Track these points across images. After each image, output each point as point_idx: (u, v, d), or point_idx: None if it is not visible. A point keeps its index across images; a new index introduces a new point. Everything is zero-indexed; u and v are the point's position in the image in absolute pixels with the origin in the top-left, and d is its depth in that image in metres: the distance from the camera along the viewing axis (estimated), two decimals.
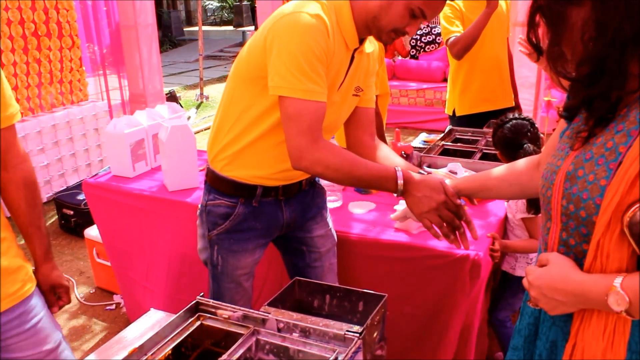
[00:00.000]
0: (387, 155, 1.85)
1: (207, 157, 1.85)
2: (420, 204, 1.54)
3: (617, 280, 0.94)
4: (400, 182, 1.54)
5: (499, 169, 1.54)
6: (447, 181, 1.58)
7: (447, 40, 3.19)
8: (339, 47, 1.60)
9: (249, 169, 1.74)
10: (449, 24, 3.19)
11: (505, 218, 2.31)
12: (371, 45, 1.78)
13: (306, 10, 1.52)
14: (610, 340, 1.01)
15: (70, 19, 4.96)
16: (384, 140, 2.91)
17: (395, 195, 1.58)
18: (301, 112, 1.52)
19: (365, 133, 1.87)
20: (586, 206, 1.00)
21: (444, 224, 1.54)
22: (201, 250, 1.91)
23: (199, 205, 1.88)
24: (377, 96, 2.85)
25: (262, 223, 1.82)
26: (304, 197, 1.88)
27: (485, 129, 3.09)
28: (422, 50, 7.54)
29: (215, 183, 1.80)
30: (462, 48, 3.14)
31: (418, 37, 7.54)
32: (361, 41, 1.68)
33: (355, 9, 1.61)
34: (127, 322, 2.32)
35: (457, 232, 1.57)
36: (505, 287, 2.39)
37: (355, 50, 1.67)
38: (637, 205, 0.92)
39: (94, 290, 3.50)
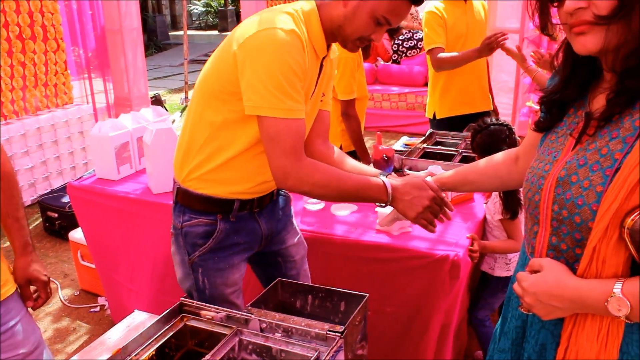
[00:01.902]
0: (355, 165, 1.85)
1: (176, 177, 1.76)
2: (413, 206, 1.55)
3: (617, 286, 0.95)
4: (390, 191, 1.55)
5: (479, 164, 1.57)
6: (429, 178, 1.61)
7: (430, 49, 3.26)
8: (310, 57, 1.57)
9: (226, 185, 1.69)
10: (432, 33, 3.24)
11: (484, 219, 2.35)
12: (335, 51, 1.77)
13: (280, 26, 1.47)
14: (604, 343, 1.01)
15: (55, 22, 4.95)
16: (362, 144, 2.96)
17: (379, 204, 1.59)
18: (282, 132, 1.49)
19: (319, 136, 1.84)
20: (581, 212, 1.01)
21: (434, 220, 1.58)
22: (182, 280, 1.82)
23: (172, 230, 1.79)
24: (355, 99, 2.90)
25: (243, 237, 1.77)
26: (274, 206, 1.85)
27: (465, 133, 3.14)
28: (404, 55, 7.62)
29: (190, 202, 1.71)
30: (442, 68, 3.28)
31: (400, 42, 7.62)
32: (327, 48, 1.67)
33: (322, 17, 1.58)
34: (112, 324, 2.33)
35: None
36: (484, 287, 2.43)
37: (323, 58, 1.66)
38: (638, 212, 0.93)
39: (78, 293, 3.50)
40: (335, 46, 1.75)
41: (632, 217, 0.93)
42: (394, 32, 7.59)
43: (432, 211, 1.56)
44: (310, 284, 2.06)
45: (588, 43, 0.99)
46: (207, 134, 1.63)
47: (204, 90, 1.64)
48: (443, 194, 1.58)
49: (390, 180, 1.58)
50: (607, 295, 0.96)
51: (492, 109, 3.54)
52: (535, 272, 1.09)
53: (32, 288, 1.73)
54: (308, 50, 1.54)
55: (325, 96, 1.81)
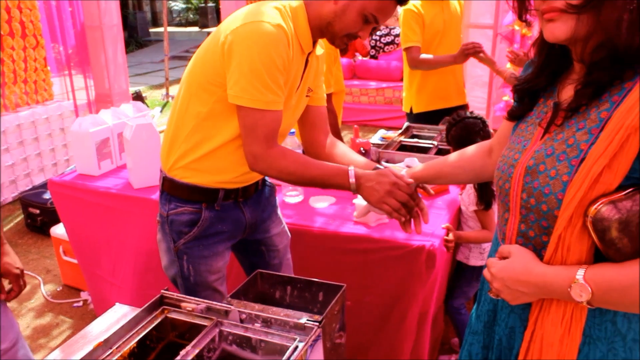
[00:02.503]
0: (345, 152, 1.88)
1: (162, 166, 1.80)
2: (374, 192, 1.57)
3: (580, 272, 0.97)
4: (352, 180, 1.59)
5: (453, 157, 1.58)
6: (404, 171, 1.63)
7: (406, 47, 3.31)
8: (296, 52, 1.61)
9: (211, 174, 1.73)
10: (409, 31, 3.28)
11: (459, 210, 2.40)
12: (321, 47, 1.81)
13: (268, 20, 1.51)
14: (568, 327, 1.04)
15: (34, 19, 4.90)
16: (340, 138, 2.98)
17: (352, 192, 1.63)
18: (258, 122, 1.56)
19: (320, 132, 1.90)
20: (548, 200, 1.02)
21: (402, 208, 1.57)
22: (167, 267, 1.86)
23: (158, 218, 1.83)
24: (332, 94, 2.92)
25: (228, 226, 1.81)
26: (259, 196, 1.89)
27: (440, 126, 3.19)
28: (382, 50, 7.66)
29: (176, 191, 1.76)
30: (418, 68, 3.35)
31: (377, 37, 7.65)
32: (313, 44, 1.70)
33: (310, 13, 1.62)
34: (95, 319, 2.33)
35: (412, 218, 1.61)
36: (460, 276, 2.47)
37: (309, 53, 1.70)
38: (600, 202, 0.94)
39: (61, 288, 3.50)
40: (322, 42, 1.79)
41: (594, 207, 0.95)
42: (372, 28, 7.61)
43: (397, 197, 1.56)
44: (291, 274, 2.09)
45: (557, 30, 1.01)
46: (192, 124, 1.67)
47: (191, 82, 1.67)
48: (409, 180, 1.58)
49: (361, 171, 1.61)
50: (570, 282, 0.98)
51: (466, 102, 3.59)
52: (505, 258, 1.12)
53: (5, 281, 1.73)
54: (294, 45, 1.58)
55: (316, 92, 1.85)
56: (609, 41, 0.97)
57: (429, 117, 3.44)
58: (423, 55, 3.27)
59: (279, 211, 2.03)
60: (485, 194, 2.22)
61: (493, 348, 1.26)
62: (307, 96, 1.82)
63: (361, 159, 1.86)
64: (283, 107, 1.63)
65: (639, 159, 0.93)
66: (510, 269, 1.09)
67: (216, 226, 1.79)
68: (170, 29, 15.51)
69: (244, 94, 1.53)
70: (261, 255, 2.00)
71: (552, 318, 1.06)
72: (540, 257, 1.07)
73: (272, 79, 1.52)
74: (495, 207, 2.26)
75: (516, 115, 1.24)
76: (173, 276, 1.86)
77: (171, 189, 1.77)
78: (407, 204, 1.57)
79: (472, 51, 3.10)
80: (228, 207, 1.79)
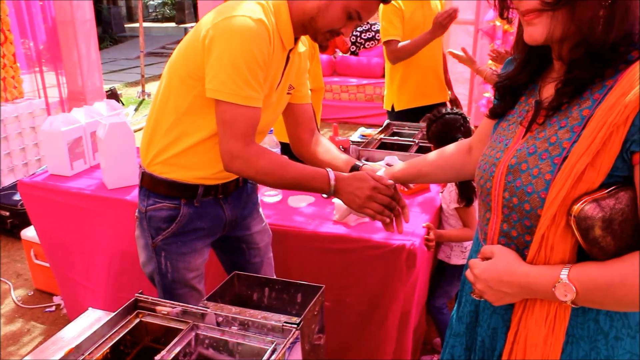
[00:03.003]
0: (327, 149, 1.87)
1: (142, 161, 1.78)
2: (355, 198, 1.56)
3: (564, 272, 0.98)
4: (333, 182, 1.57)
5: (432, 155, 1.57)
6: (382, 170, 1.62)
7: (386, 41, 3.28)
8: (277, 48, 1.60)
9: (190, 170, 1.71)
10: (389, 25, 3.27)
11: (440, 208, 2.39)
12: (304, 44, 1.79)
13: (249, 15, 1.50)
14: (552, 327, 1.04)
15: (2, 13, 4.78)
16: None
17: (324, 196, 1.61)
18: (237, 118, 1.53)
19: (305, 130, 1.89)
20: (531, 199, 1.02)
21: (385, 210, 1.55)
22: (145, 264, 1.84)
23: (136, 214, 1.82)
24: (310, 90, 2.90)
25: (207, 223, 1.79)
26: (240, 193, 1.88)
27: (421, 124, 3.18)
28: (362, 46, 7.66)
29: (154, 186, 1.74)
30: (399, 58, 3.31)
31: (358, 33, 7.65)
32: (295, 41, 1.69)
33: (292, 9, 1.60)
34: (68, 324, 2.28)
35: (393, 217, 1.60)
36: (441, 275, 2.47)
37: (290, 50, 1.68)
38: (583, 200, 0.94)
39: (32, 293, 3.42)
40: (305, 40, 1.77)
41: (578, 205, 0.95)
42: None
43: (378, 200, 1.54)
44: (272, 273, 2.07)
45: (535, 33, 1.02)
46: (172, 119, 1.66)
47: (172, 76, 1.66)
48: (389, 182, 1.57)
49: (339, 174, 1.59)
50: (555, 281, 0.98)
51: (448, 99, 3.59)
52: (487, 259, 1.11)
53: None
54: (275, 41, 1.57)
55: (299, 89, 1.85)
56: (584, 39, 0.98)
57: (411, 115, 3.43)
58: (401, 43, 3.24)
59: (260, 209, 2.02)
60: (466, 190, 2.22)
61: (475, 349, 1.25)
62: (288, 93, 1.80)
63: (343, 156, 1.84)
64: (262, 105, 1.61)
65: (621, 156, 0.94)
66: (494, 269, 1.08)
67: (195, 222, 1.77)
68: (146, 24, 15.38)
69: (223, 88, 1.51)
70: (242, 253, 1.98)
71: (536, 318, 1.06)
72: (523, 256, 1.07)
73: (251, 75, 1.51)
74: (476, 205, 2.25)
75: (497, 113, 1.24)
76: (150, 273, 1.84)
77: (150, 185, 1.75)
78: (389, 206, 1.56)
79: (448, 19, 3.03)
80: (207, 204, 1.77)
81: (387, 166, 2.25)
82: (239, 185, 1.85)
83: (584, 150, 0.95)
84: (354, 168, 1.74)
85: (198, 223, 1.78)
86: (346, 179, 1.58)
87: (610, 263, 0.95)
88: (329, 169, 1.60)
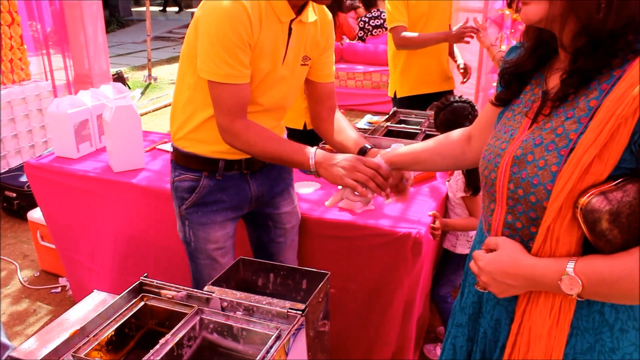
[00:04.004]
0: (342, 129, 1.90)
1: (171, 136, 1.89)
2: (335, 170, 1.58)
3: (570, 265, 0.97)
4: (312, 162, 1.61)
5: (431, 142, 1.53)
6: (378, 156, 1.59)
7: (392, 27, 3.27)
8: (269, 23, 1.63)
9: (208, 144, 1.79)
10: (395, 11, 3.26)
11: (446, 197, 2.38)
12: (313, 14, 1.77)
13: None
14: (556, 319, 1.04)
15: None
16: None
17: (308, 173, 1.64)
18: (220, 95, 1.63)
19: (324, 108, 1.92)
20: (536, 191, 1.01)
21: (370, 181, 1.54)
22: (179, 230, 1.94)
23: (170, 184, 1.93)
24: None
25: (229, 196, 1.86)
26: (269, 171, 1.92)
27: (428, 112, 3.16)
28: (370, 33, 7.58)
29: (179, 159, 1.86)
30: (404, 46, 3.31)
31: (367, 19, 7.57)
32: (301, 11, 1.70)
33: None
34: (73, 305, 2.29)
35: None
36: (446, 264, 2.46)
37: (292, 21, 1.69)
38: (591, 192, 0.94)
39: (38, 274, 3.43)
40: (316, 9, 1.77)
41: (585, 198, 0.94)
42: (370, 5, 7.53)
43: (360, 171, 1.54)
44: (294, 256, 2.09)
45: (529, 12, 1.03)
46: (186, 95, 1.76)
47: (184, 54, 1.75)
48: (375, 161, 1.57)
49: (323, 153, 1.62)
50: (560, 274, 0.98)
51: (454, 88, 3.56)
52: (491, 250, 1.11)
53: None
54: (265, 15, 1.61)
55: (321, 67, 1.87)
56: (584, 26, 0.97)
57: (413, 102, 3.41)
58: (407, 33, 3.22)
59: (293, 191, 2.06)
60: (473, 179, 2.20)
61: (478, 340, 1.25)
62: (304, 64, 1.82)
63: (354, 137, 1.85)
64: (271, 79, 1.70)
65: (629, 148, 0.93)
66: (498, 261, 1.08)
67: (215, 195, 1.84)
68: (153, 8, 15.28)
69: (204, 67, 1.61)
70: (267, 230, 2.03)
71: (541, 310, 1.06)
72: (528, 248, 1.06)
73: (228, 54, 1.57)
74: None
75: (503, 99, 1.22)
76: (182, 239, 1.95)
77: (176, 158, 1.88)
78: (373, 179, 1.54)
79: (469, 35, 3.12)
80: (231, 178, 1.84)
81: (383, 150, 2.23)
82: (266, 163, 1.88)
83: (591, 142, 0.94)
84: (362, 150, 1.75)
85: (219, 195, 1.85)
86: (328, 155, 1.61)
87: (617, 257, 0.94)
88: (312, 148, 1.63)
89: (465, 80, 3.42)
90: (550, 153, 1.01)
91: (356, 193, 1.60)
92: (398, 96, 3.51)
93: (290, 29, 1.70)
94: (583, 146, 0.95)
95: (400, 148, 1.60)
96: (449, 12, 3.47)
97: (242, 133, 1.65)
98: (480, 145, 1.23)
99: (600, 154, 0.94)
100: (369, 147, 1.76)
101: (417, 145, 1.57)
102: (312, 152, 1.61)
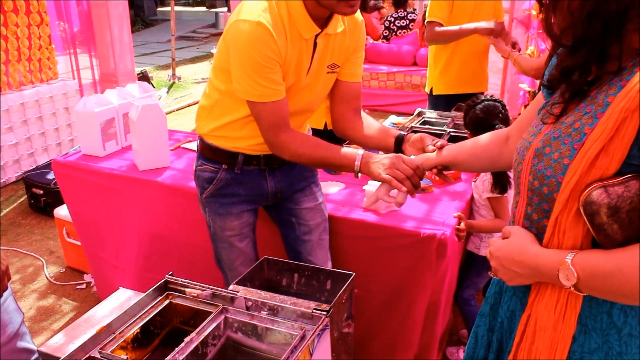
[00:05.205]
0: (371, 123, 1.92)
1: (196, 128, 1.96)
2: (377, 166, 1.61)
3: (569, 257, 0.98)
4: (358, 162, 1.65)
5: (468, 143, 1.55)
6: (414, 157, 1.61)
7: (428, 21, 3.23)
8: (294, 39, 1.65)
9: (231, 141, 1.86)
10: (436, 6, 3.22)
11: (471, 199, 2.35)
12: (341, 24, 1.77)
13: (246, 17, 1.58)
14: (562, 313, 1.04)
15: None
16: None
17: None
18: (260, 113, 1.68)
19: (349, 108, 1.92)
20: (549, 183, 1.03)
21: (406, 180, 1.57)
22: (202, 212, 2.02)
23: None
24: None
25: (245, 190, 1.91)
26: (290, 169, 1.95)
27: (453, 113, 3.13)
28: (394, 34, 7.55)
29: (203, 150, 1.93)
30: (435, 41, 3.29)
31: (392, 19, 7.54)
32: (327, 23, 1.70)
33: None
34: (98, 302, 2.31)
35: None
36: (470, 266, 2.43)
37: (317, 35, 1.69)
38: (593, 186, 0.94)
39: (64, 270, 3.48)
40: (343, 20, 1.78)
41: (587, 191, 0.95)
42: (400, 5, 7.49)
43: (399, 169, 1.57)
44: (326, 256, 2.07)
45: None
46: (216, 98, 1.84)
47: (215, 62, 1.82)
48: (412, 159, 1.60)
49: (366, 153, 1.66)
50: (559, 265, 0.99)
51: (487, 90, 3.52)
52: (506, 238, 1.13)
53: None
54: (289, 33, 1.64)
55: (348, 67, 1.87)
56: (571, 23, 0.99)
57: (449, 101, 3.38)
58: (442, 28, 3.18)
59: (317, 189, 2.07)
60: (500, 178, 2.18)
61: (496, 330, 1.26)
62: (330, 72, 1.83)
63: (384, 128, 1.91)
64: (294, 88, 1.74)
65: (637, 144, 0.92)
66: (507, 248, 1.11)
67: (232, 188, 1.90)
68: (177, 8, 15.42)
69: (239, 88, 1.66)
70: (292, 227, 2.04)
71: (546, 303, 1.07)
72: (541, 240, 1.07)
73: (260, 76, 1.61)
74: (508, 197, 2.21)
75: (554, 85, 1.17)
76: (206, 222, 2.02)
77: (200, 148, 1.96)
78: (412, 178, 1.57)
79: (503, 35, 3.06)
80: (250, 173, 1.90)
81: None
82: (286, 161, 1.89)
83: (597, 135, 0.95)
84: (399, 138, 1.78)
85: (235, 188, 1.91)
86: (371, 153, 1.66)
87: (612, 251, 0.94)
88: (359, 153, 1.66)
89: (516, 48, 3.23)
90: (565, 146, 1.01)
91: (391, 194, 1.64)
92: (434, 93, 3.48)
93: (315, 44, 1.71)
94: (591, 139, 0.96)
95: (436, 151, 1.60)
96: (496, 13, 3.38)
97: (290, 145, 1.71)
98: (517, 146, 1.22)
99: (606, 148, 0.94)
100: (405, 133, 1.78)
101: (454, 146, 1.58)
102: (359, 154, 1.65)
